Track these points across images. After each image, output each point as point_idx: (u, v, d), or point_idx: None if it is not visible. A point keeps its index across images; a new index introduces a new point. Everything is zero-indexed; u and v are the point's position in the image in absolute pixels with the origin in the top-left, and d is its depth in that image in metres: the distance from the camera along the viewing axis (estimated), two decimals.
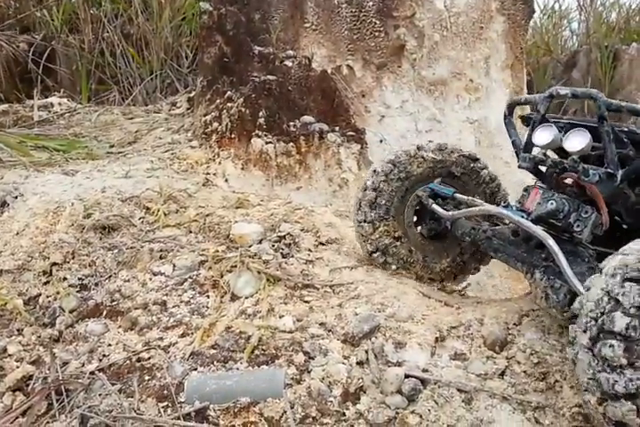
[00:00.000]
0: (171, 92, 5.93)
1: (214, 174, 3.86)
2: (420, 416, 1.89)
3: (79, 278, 2.66)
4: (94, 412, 1.97)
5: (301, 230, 2.96)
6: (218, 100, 4.09)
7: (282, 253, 2.75)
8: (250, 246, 2.77)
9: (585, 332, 1.64)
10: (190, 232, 3.01)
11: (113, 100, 5.86)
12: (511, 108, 2.49)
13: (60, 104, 5.29)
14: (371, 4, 4.58)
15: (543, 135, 2.16)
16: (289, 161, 3.91)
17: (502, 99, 4.77)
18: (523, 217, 2.21)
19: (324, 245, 2.93)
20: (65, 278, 2.65)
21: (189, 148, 4.08)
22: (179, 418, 1.91)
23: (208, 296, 2.52)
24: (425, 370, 2.03)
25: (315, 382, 2.00)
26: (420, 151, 2.67)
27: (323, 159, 3.98)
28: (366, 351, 2.11)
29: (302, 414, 1.92)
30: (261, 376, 2.04)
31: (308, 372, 2.05)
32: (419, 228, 2.79)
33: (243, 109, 3.94)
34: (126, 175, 3.54)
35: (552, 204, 2.16)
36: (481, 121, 4.79)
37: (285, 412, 1.91)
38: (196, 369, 2.12)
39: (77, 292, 2.60)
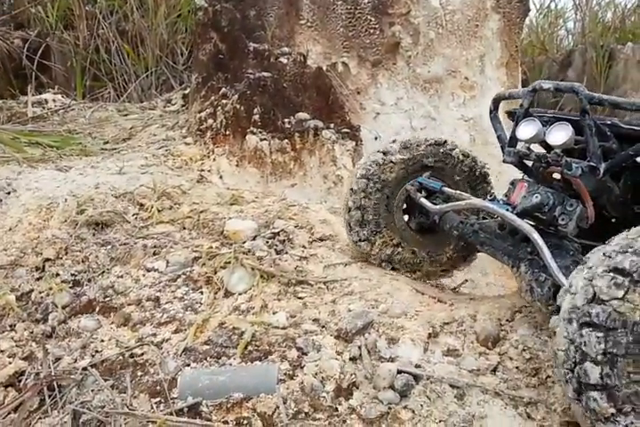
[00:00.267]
0: (166, 89, 5.91)
1: (209, 171, 3.86)
2: (413, 412, 1.89)
3: (72, 274, 2.65)
4: (87, 408, 1.97)
5: (296, 227, 2.96)
6: (213, 97, 4.08)
7: (276, 250, 2.76)
8: (244, 243, 2.77)
9: (567, 383, 1.62)
10: (184, 228, 3.01)
11: (108, 97, 5.83)
12: (496, 103, 2.48)
13: (54, 100, 5.27)
14: (366, 1, 4.59)
15: (526, 129, 2.15)
16: (284, 158, 3.91)
17: None
18: (508, 210, 2.20)
19: (318, 241, 2.94)
20: (58, 274, 2.65)
21: (184, 144, 4.08)
22: (171, 414, 1.91)
23: (201, 292, 2.52)
24: (418, 366, 2.03)
25: (308, 377, 2.00)
26: (387, 156, 2.65)
27: (317, 156, 3.98)
28: (359, 347, 2.11)
29: (295, 409, 1.91)
30: (254, 372, 2.04)
31: (301, 367, 2.05)
32: (411, 225, 2.78)
33: (237, 106, 3.93)
34: (120, 171, 3.53)
35: (537, 197, 2.15)
36: (476, 119, 4.79)
37: (278, 407, 1.90)
38: (189, 365, 2.11)
39: (70, 288, 2.59)
